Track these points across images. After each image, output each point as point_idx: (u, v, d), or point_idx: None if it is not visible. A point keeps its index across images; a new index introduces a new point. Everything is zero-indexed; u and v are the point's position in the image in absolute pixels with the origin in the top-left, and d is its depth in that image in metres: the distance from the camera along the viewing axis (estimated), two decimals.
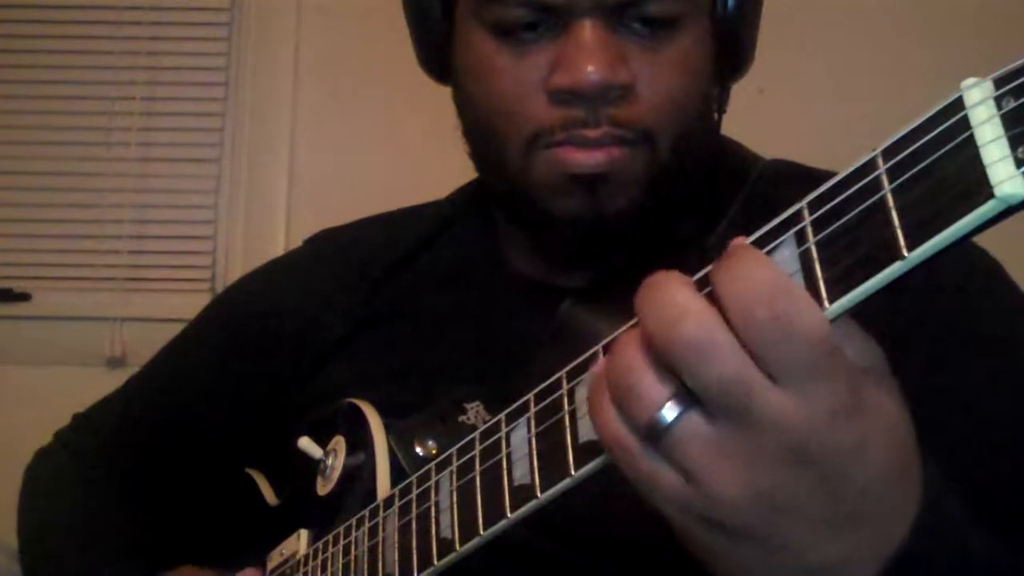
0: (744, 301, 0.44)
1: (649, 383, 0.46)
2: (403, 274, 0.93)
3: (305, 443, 0.84)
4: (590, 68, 0.74)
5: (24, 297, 2.14)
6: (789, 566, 0.49)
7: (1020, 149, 0.37)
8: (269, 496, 0.94)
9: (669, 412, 0.46)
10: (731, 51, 0.83)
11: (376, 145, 2.13)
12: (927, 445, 0.50)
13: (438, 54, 0.85)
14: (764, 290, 0.44)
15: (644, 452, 0.48)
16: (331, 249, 1.00)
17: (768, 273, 0.44)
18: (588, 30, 0.74)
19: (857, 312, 0.45)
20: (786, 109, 1.97)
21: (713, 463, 0.46)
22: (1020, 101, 0.38)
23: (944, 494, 0.51)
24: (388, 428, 0.80)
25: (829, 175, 0.45)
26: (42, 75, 2.18)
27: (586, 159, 0.76)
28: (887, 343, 0.50)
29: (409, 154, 2.04)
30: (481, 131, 0.83)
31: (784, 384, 0.44)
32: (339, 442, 0.83)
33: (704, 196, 0.84)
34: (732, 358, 0.44)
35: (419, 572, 0.66)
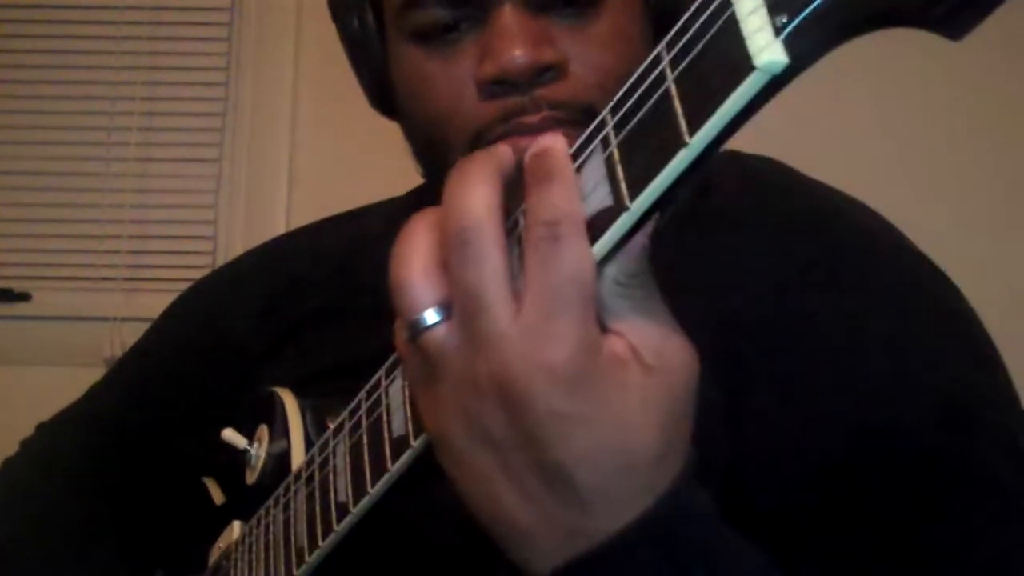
0: (534, 215, 0.45)
1: (420, 282, 0.47)
2: (339, 275, 0.93)
3: (228, 434, 0.84)
4: (516, 52, 0.70)
5: (24, 297, 2.14)
6: (485, 508, 0.48)
7: (778, 18, 0.37)
8: (218, 499, 0.94)
9: (428, 317, 0.47)
10: (671, 23, 0.80)
11: (376, 145, 2.10)
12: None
13: (380, 84, 0.82)
14: (555, 212, 0.44)
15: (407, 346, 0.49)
16: (267, 258, 1.01)
17: (567, 199, 0.45)
18: (508, 15, 0.71)
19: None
20: (786, 109, 1.95)
21: (438, 368, 0.47)
22: None
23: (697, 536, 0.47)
24: (303, 411, 0.80)
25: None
26: (42, 75, 2.17)
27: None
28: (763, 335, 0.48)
29: (409, 154, 2.03)
30: (425, 145, 0.80)
31: (524, 314, 0.44)
32: (263, 431, 0.83)
33: None
34: (482, 269, 0.45)
35: (323, 539, 0.65)
